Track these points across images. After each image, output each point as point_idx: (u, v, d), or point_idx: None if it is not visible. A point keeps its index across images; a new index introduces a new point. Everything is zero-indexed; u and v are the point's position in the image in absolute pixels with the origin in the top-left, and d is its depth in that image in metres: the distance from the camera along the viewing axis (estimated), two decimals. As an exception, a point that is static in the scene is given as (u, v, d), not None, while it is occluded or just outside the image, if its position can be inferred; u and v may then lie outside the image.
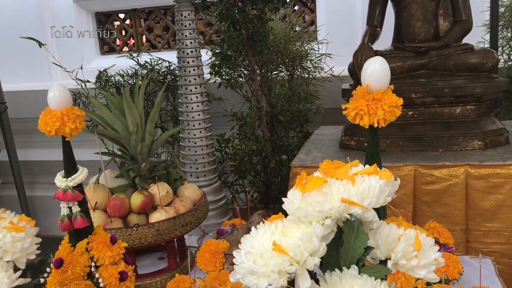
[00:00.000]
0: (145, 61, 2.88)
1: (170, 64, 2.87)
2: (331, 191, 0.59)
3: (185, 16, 2.04)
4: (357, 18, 3.20)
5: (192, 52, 2.05)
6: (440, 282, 1.20)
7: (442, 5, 2.06)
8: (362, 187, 0.58)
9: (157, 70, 2.83)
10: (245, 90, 2.63)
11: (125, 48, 3.91)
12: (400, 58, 1.99)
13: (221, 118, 2.70)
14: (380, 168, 0.90)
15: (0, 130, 3.03)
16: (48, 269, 1.02)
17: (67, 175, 1.02)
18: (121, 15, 3.86)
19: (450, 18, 2.07)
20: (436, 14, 2.04)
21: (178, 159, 1.59)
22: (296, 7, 3.58)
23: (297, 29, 2.94)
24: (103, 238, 1.07)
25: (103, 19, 3.89)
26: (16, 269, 1.01)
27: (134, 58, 2.85)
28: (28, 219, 1.05)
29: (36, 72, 3.82)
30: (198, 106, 2.06)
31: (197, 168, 2.10)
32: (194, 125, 2.06)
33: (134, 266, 1.30)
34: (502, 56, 2.71)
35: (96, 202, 1.39)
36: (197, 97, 2.06)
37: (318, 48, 2.82)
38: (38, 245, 1.05)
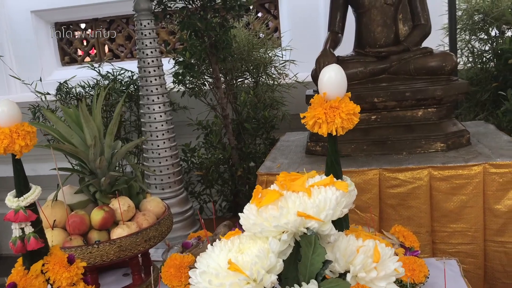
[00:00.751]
0: (107, 72, 2.82)
1: (133, 74, 2.82)
2: (287, 205, 0.57)
3: (144, 25, 2.00)
4: (320, 24, 3.21)
5: (153, 61, 2.02)
6: (406, 286, 1.21)
7: (401, 10, 2.09)
8: (318, 199, 0.57)
9: (119, 80, 2.78)
10: (210, 98, 2.61)
11: (87, 59, 3.83)
12: (361, 63, 2.00)
13: (186, 127, 2.66)
14: (340, 176, 0.89)
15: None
16: (1, 295, 0.97)
17: (19, 194, 0.98)
18: (82, 25, 3.78)
19: (410, 22, 2.10)
20: (396, 19, 2.07)
21: (140, 171, 1.55)
22: (259, 14, 3.58)
23: (261, 36, 2.94)
24: (59, 258, 1.03)
25: (63, 29, 3.80)
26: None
27: (95, 69, 2.79)
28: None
29: (-6, 85, 3.70)
30: (161, 116, 2.03)
31: (162, 180, 2.05)
32: (157, 136, 2.03)
33: (94, 285, 1.25)
34: (462, 59, 2.77)
35: (54, 220, 1.34)
36: (159, 107, 2.02)
37: (282, 55, 2.83)
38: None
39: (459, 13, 2.73)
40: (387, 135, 1.96)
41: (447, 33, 2.67)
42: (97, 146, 1.35)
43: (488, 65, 2.64)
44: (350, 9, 2.17)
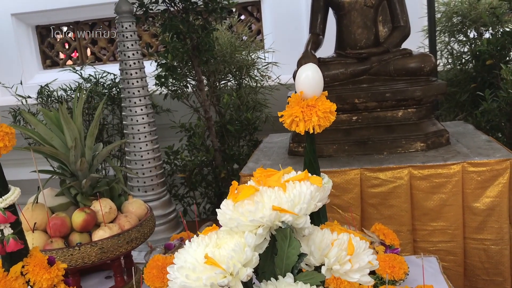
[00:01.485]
0: (89, 75, 2.81)
1: (115, 76, 2.81)
2: (263, 200, 0.58)
3: (126, 28, 2.00)
4: (302, 27, 3.24)
5: (134, 63, 2.02)
6: (385, 283, 1.22)
7: (380, 12, 2.12)
8: (293, 194, 0.58)
9: (102, 83, 2.76)
10: (193, 100, 2.61)
11: (69, 62, 3.80)
12: (342, 65, 2.03)
13: (169, 130, 2.66)
14: (318, 174, 0.90)
15: None
16: (-21, 297, 0.96)
17: (-3, 196, 0.97)
18: (64, 28, 3.76)
19: (389, 24, 2.14)
20: (376, 20, 2.10)
21: (121, 173, 1.55)
22: (242, 17, 3.59)
23: (244, 39, 2.95)
24: (39, 260, 1.02)
25: (44, 33, 3.77)
26: None
27: (77, 72, 2.77)
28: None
29: (-26, 89, 3.65)
30: (143, 118, 2.03)
31: (144, 182, 2.05)
32: (139, 138, 2.02)
33: (76, 287, 1.24)
34: (441, 60, 2.81)
35: (35, 223, 1.33)
36: (141, 109, 2.02)
37: (265, 57, 2.84)
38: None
39: (438, 15, 2.77)
40: (368, 135, 1.98)
41: (427, 35, 2.71)
42: (77, 148, 1.35)
43: (467, 66, 2.69)
44: (331, 11, 2.19)
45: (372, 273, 1.26)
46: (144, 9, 2.17)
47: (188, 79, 2.61)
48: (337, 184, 1.81)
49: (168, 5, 2.28)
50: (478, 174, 1.72)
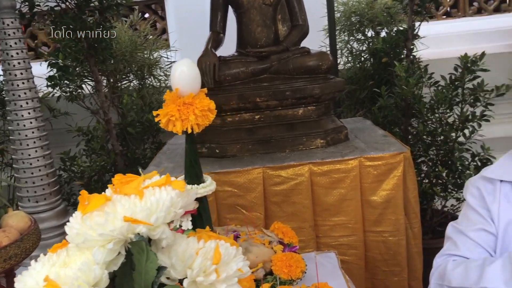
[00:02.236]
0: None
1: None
2: (115, 210, 0.52)
3: (7, 24, 1.83)
4: (207, 25, 3.18)
5: (19, 63, 1.86)
6: (283, 283, 1.21)
7: (279, 11, 2.12)
8: (150, 201, 0.52)
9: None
10: (90, 102, 2.46)
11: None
12: (243, 64, 2.00)
13: (67, 134, 2.49)
14: (200, 176, 0.86)
15: None
16: None
17: None
18: None
19: (288, 23, 2.15)
20: (275, 19, 2.10)
21: (7, 184, 1.41)
22: (146, 15, 3.47)
23: (150, 37, 2.84)
24: None
25: None
26: None
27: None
28: None
29: None
30: (31, 123, 1.87)
31: (35, 192, 1.89)
32: (28, 144, 1.86)
33: None
34: (342, 59, 2.89)
35: None
36: (29, 113, 1.86)
37: (167, 56, 2.76)
38: None
39: (338, 15, 2.85)
40: (270, 134, 1.98)
41: (328, 34, 2.77)
42: None
43: (366, 65, 2.78)
44: (231, 9, 2.16)
45: (270, 273, 1.24)
46: (28, 4, 2.00)
47: (86, 80, 2.46)
48: (241, 184, 1.78)
49: (58, 1, 2.13)
50: (374, 168, 1.77)
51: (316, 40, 2.81)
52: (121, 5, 2.17)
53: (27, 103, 1.87)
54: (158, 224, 0.51)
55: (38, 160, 1.88)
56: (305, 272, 1.27)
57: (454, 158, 2.21)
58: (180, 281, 0.56)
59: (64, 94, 2.34)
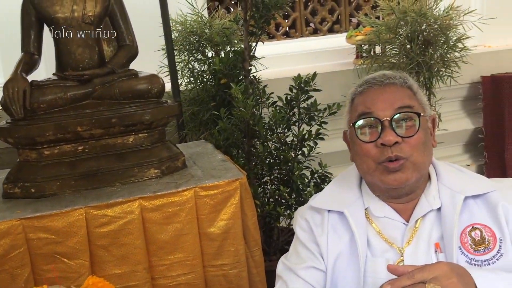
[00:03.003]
0: None
1: None
2: None
3: None
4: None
5: None
6: None
7: (104, 30, 1.94)
8: None
9: None
10: None
11: None
12: (61, 88, 1.77)
13: None
14: None
15: None
16: None
17: None
18: None
19: (115, 43, 1.97)
20: (99, 39, 1.90)
21: None
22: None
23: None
24: None
25: None
26: None
27: None
28: None
29: None
30: None
31: None
32: None
33: None
34: (184, 80, 2.78)
35: None
36: None
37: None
38: None
39: (176, 34, 2.74)
40: (97, 166, 1.77)
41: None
42: None
43: (207, 85, 2.70)
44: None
45: None
46: None
47: None
48: (59, 228, 1.54)
49: None
50: (210, 198, 1.67)
51: (155, 61, 2.67)
52: None
53: None
54: None
55: None
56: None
57: (294, 177, 2.21)
58: None
59: None
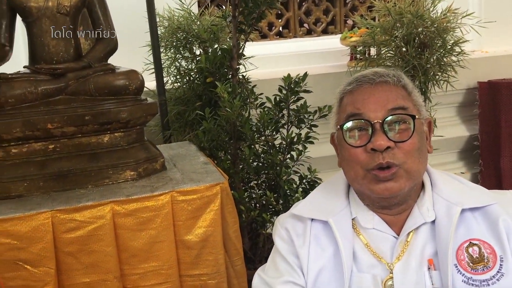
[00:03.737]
0: None
1: None
2: None
3: None
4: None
5: None
6: None
7: (81, 22, 1.82)
8: None
9: None
10: None
11: None
12: (31, 83, 1.65)
13: None
14: None
15: None
16: None
17: None
18: None
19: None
20: (75, 31, 1.78)
21: None
22: None
23: None
24: None
25: None
26: None
27: None
28: None
29: None
30: None
31: None
32: None
33: None
34: (170, 78, 2.67)
35: None
36: None
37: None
38: None
39: (163, 30, 2.63)
40: (68, 167, 1.65)
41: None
42: None
43: (194, 84, 2.59)
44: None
45: None
46: None
47: None
48: (23, 233, 1.42)
49: None
50: (188, 203, 1.56)
51: (139, 57, 2.56)
52: None
53: None
54: None
55: None
56: None
57: (282, 182, 2.10)
58: None
59: None
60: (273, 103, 2.15)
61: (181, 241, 1.56)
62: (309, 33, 3.44)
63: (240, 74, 2.39)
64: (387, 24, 2.59)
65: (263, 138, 2.16)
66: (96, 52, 1.78)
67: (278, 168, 2.13)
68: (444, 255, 0.95)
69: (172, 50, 2.65)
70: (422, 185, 1.05)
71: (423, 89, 2.59)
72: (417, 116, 0.99)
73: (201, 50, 2.65)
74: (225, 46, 2.38)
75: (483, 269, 0.94)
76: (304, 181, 2.18)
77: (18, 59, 1.93)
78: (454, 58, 2.58)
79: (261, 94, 2.20)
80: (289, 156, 2.17)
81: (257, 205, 2.24)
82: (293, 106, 2.14)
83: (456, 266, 0.95)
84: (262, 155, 2.17)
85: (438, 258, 0.97)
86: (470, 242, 0.97)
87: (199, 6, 3.04)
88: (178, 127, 2.61)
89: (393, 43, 2.61)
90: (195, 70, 2.57)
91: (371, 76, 1.02)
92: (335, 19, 3.46)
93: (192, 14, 2.61)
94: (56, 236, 1.45)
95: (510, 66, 3.17)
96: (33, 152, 1.63)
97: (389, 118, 0.97)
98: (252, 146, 2.15)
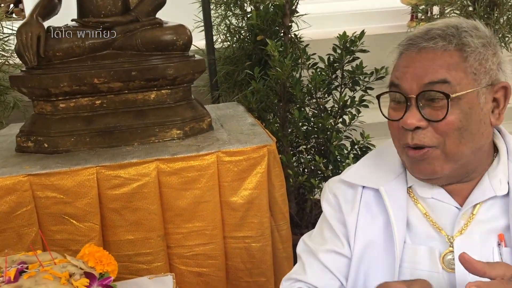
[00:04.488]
0: None
1: None
2: None
3: None
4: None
5: None
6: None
7: (129, -25, 1.76)
8: None
9: None
10: None
11: None
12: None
13: None
14: None
15: None
16: None
17: None
18: None
19: (141, -11, 1.79)
20: (124, -16, 1.73)
21: None
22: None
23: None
24: None
25: None
26: None
27: None
28: None
29: None
30: None
31: None
32: None
33: None
34: (220, 37, 2.59)
35: None
36: None
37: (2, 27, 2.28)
38: None
39: (212, -14, 2.54)
40: (114, 123, 1.63)
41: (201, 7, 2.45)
42: None
43: (244, 43, 2.50)
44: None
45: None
46: None
47: None
48: (68, 188, 1.42)
49: None
50: (234, 165, 1.50)
51: (188, 14, 2.49)
52: None
53: None
54: None
55: None
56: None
57: (332, 147, 2.01)
58: None
59: None
60: (326, 63, 2.04)
61: (226, 202, 1.51)
62: (367, -9, 3.24)
63: (293, 33, 2.28)
64: (453, -20, 2.38)
65: (314, 100, 2.06)
66: (144, 6, 1.73)
67: (329, 132, 2.03)
68: None
69: (222, 7, 2.56)
70: (496, 152, 0.93)
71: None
72: (457, 93, 0.83)
73: (252, 7, 2.54)
74: (277, 3, 2.26)
75: None
76: (356, 147, 2.07)
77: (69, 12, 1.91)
78: (527, 18, 2.35)
79: (314, 54, 2.08)
80: (341, 120, 2.06)
81: (305, 170, 2.17)
82: (347, 67, 2.01)
83: None
84: (312, 119, 2.08)
85: (510, 234, 0.86)
86: None
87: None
88: (226, 88, 2.55)
89: (458, 1, 2.40)
90: (246, 28, 2.48)
91: (419, 39, 0.87)
92: (396, -25, 3.24)
93: (244, -32, 2.50)
94: (101, 192, 1.44)
95: None
96: (80, 107, 1.61)
97: (423, 94, 0.83)
98: (302, 109, 2.06)
